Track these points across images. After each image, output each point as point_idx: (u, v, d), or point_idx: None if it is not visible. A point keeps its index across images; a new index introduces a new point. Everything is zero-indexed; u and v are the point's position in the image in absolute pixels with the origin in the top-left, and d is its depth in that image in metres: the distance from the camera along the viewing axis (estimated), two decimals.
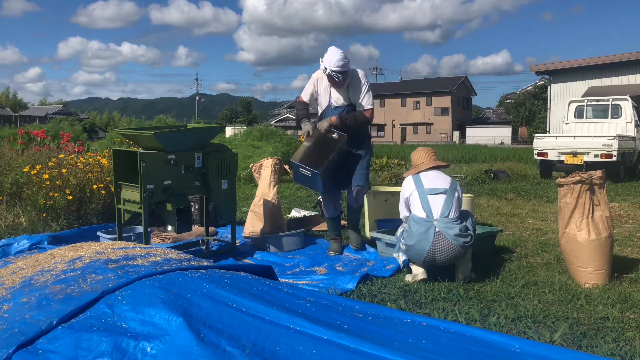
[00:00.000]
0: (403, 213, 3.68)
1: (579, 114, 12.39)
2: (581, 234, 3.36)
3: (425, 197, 3.47)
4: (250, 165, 5.11)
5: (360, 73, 4.16)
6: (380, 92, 61.44)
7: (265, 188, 4.79)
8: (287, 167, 5.14)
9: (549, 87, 23.97)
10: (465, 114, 61.27)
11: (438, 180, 3.56)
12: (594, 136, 10.81)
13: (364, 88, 4.11)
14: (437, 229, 3.36)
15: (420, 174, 3.62)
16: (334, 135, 4.02)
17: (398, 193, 3.86)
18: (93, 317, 1.86)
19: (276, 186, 4.83)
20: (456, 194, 3.51)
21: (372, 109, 4.16)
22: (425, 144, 38.65)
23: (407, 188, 3.62)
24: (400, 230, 3.68)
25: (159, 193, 3.76)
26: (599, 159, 10.35)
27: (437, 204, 3.44)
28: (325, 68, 3.95)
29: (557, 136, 11.68)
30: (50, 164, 5.27)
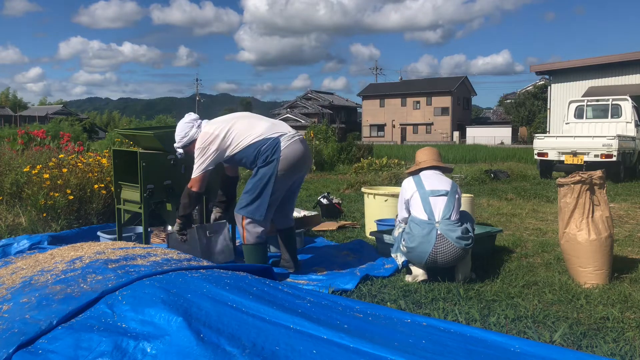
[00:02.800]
0: (402, 214, 3.66)
1: (579, 114, 12.39)
2: (581, 234, 3.36)
3: (427, 199, 3.45)
4: None
5: (200, 135, 3.48)
6: (380, 92, 61.44)
7: None
8: None
9: (549, 87, 23.97)
10: (465, 114, 61.27)
11: (439, 181, 3.54)
12: (594, 136, 10.81)
13: (196, 155, 3.45)
14: (439, 232, 3.34)
15: (421, 175, 3.61)
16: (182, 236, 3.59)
17: (397, 195, 3.84)
18: (93, 317, 1.86)
19: None
20: (457, 196, 3.50)
21: (197, 177, 3.41)
22: (425, 144, 38.66)
23: (408, 189, 3.58)
24: (398, 230, 3.66)
25: (159, 193, 3.76)
26: (599, 159, 10.35)
27: (439, 206, 3.42)
28: None
29: (557, 136, 11.68)
30: (50, 164, 5.27)
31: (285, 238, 3.82)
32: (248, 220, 3.46)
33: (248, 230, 3.48)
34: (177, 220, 3.54)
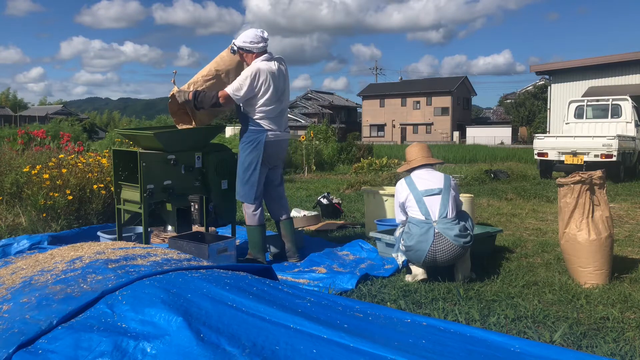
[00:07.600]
0: (399, 217, 3.68)
1: (579, 114, 12.39)
2: (581, 234, 3.36)
3: (421, 200, 3.46)
4: None
5: (255, 66, 3.84)
6: (380, 92, 61.41)
7: None
8: None
9: (549, 87, 23.97)
10: (465, 114, 61.24)
11: (431, 179, 3.55)
12: (594, 136, 10.81)
13: (241, 76, 3.83)
14: (436, 230, 3.36)
15: (412, 175, 3.62)
16: None
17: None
18: (93, 317, 1.85)
19: None
20: (452, 192, 3.50)
21: (228, 96, 3.79)
22: (425, 143, 38.55)
23: (402, 192, 3.60)
24: (399, 230, 3.67)
25: (159, 193, 3.76)
26: (599, 159, 10.35)
27: (434, 205, 3.43)
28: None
29: (557, 136, 11.68)
30: (50, 164, 5.27)
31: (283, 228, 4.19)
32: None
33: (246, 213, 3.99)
34: (190, 96, 3.73)
